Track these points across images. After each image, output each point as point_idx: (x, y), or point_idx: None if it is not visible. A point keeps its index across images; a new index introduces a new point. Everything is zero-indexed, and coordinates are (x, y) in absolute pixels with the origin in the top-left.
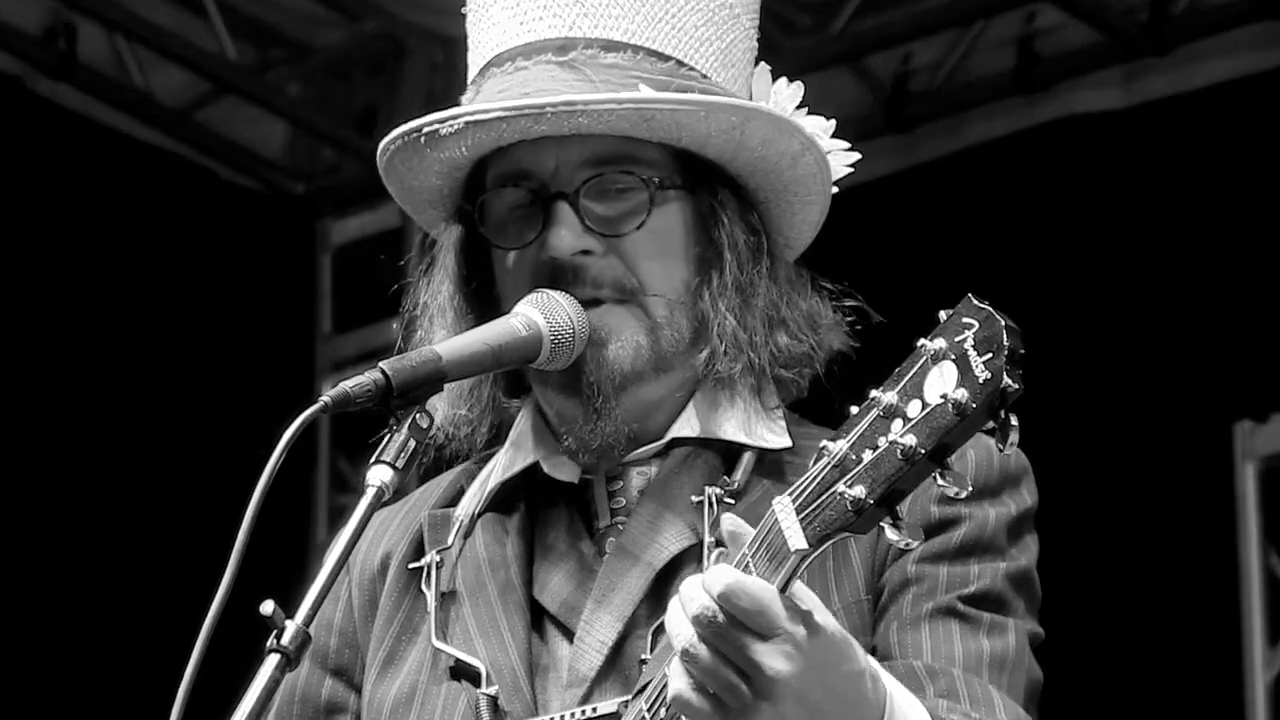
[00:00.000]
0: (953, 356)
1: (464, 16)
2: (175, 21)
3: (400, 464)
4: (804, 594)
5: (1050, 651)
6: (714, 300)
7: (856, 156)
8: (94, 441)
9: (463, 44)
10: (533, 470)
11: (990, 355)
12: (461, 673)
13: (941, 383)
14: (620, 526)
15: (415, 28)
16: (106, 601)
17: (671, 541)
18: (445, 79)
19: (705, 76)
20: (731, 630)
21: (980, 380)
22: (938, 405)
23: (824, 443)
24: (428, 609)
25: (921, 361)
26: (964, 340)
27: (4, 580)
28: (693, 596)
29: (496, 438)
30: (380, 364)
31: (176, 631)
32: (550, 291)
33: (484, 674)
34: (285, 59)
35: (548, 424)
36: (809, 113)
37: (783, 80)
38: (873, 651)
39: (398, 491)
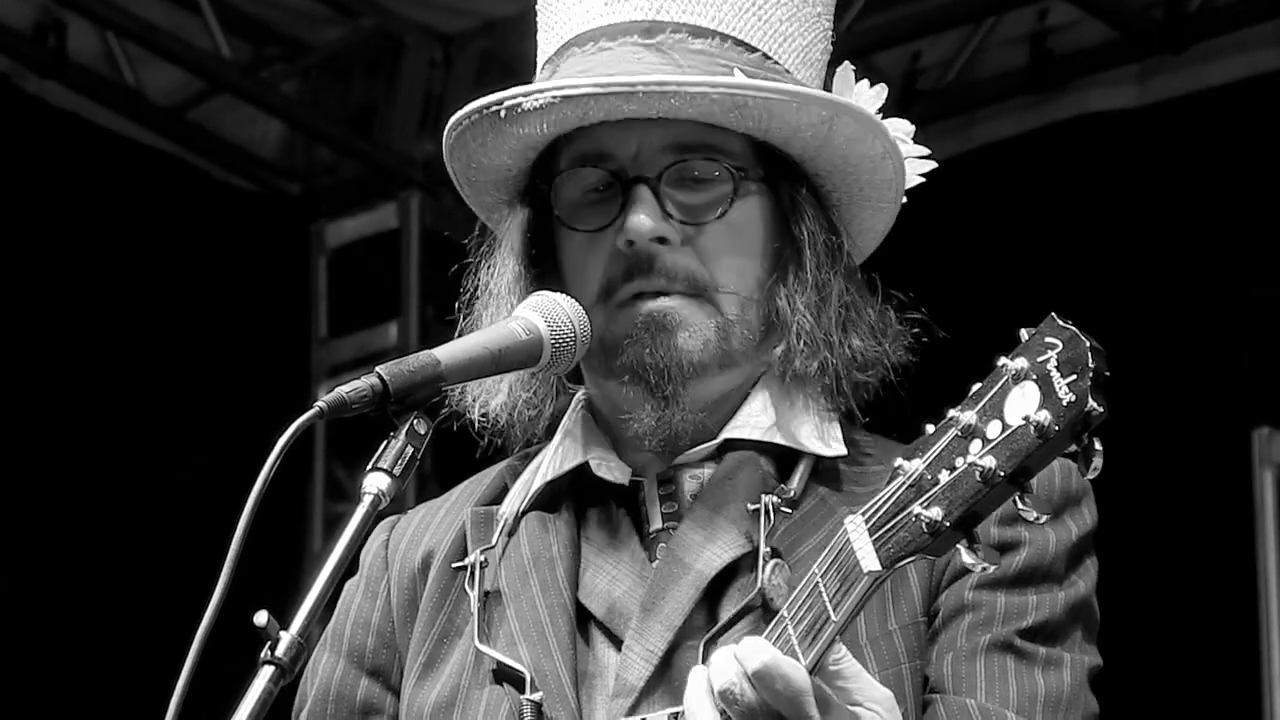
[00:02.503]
0: (1035, 377)
1: (464, 13)
2: (168, 18)
3: (398, 471)
4: (850, 670)
5: None
6: (791, 298)
7: (933, 165)
8: (88, 445)
9: (460, 41)
10: (580, 470)
11: (1075, 377)
12: (504, 676)
13: (1023, 404)
14: (672, 531)
15: (413, 25)
16: (103, 604)
17: (725, 550)
18: (444, 77)
19: (788, 72)
20: (757, 716)
21: (1064, 402)
22: (1019, 427)
23: (899, 461)
24: (471, 610)
25: (1002, 381)
26: (1047, 361)
27: (3, 580)
28: (723, 669)
29: (547, 432)
30: (377, 369)
31: (172, 637)
32: (552, 294)
33: (528, 679)
34: (281, 56)
35: (598, 423)
36: (884, 116)
37: (865, 82)
38: (924, 682)
39: (395, 500)
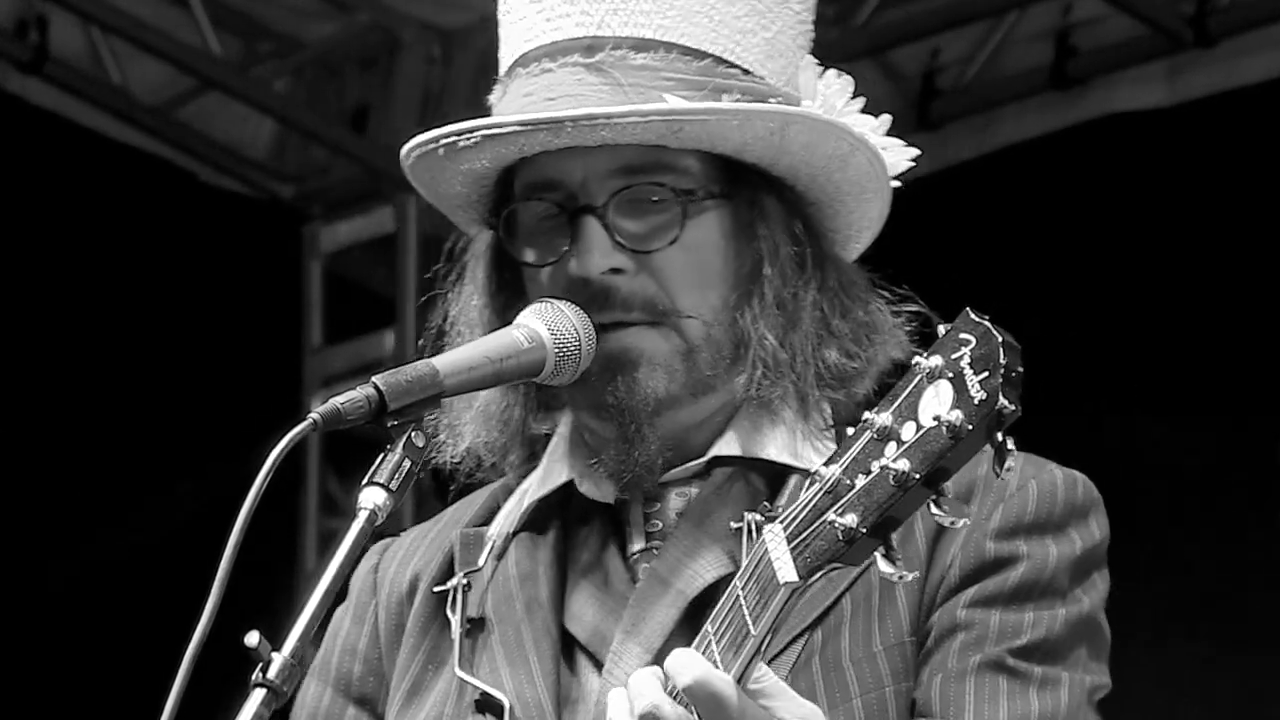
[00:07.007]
0: (949, 375)
1: (464, 8)
2: (155, 13)
3: (394, 485)
4: (772, 688)
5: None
6: (754, 319)
7: (915, 151)
8: (69, 460)
9: (460, 37)
10: (570, 488)
11: (987, 374)
12: (486, 705)
13: (936, 403)
14: (655, 551)
15: (410, 20)
16: (90, 622)
17: (707, 569)
18: (442, 74)
19: (747, 72)
20: None
21: (975, 401)
22: (931, 428)
23: (816, 467)
24: (452, 636)
25: (917, 380)
26: (960, 358)
27: None
28: (640, 692)
29: (535, 454)
30: (373, 379)
31: (161, 657)
32: (555, 301)
33: (508, 708)
34: (272, 53)
35: (585, 440)
36: (862, 109)
37: (831, 73)
38: (913, 706)
39: (392, 515)
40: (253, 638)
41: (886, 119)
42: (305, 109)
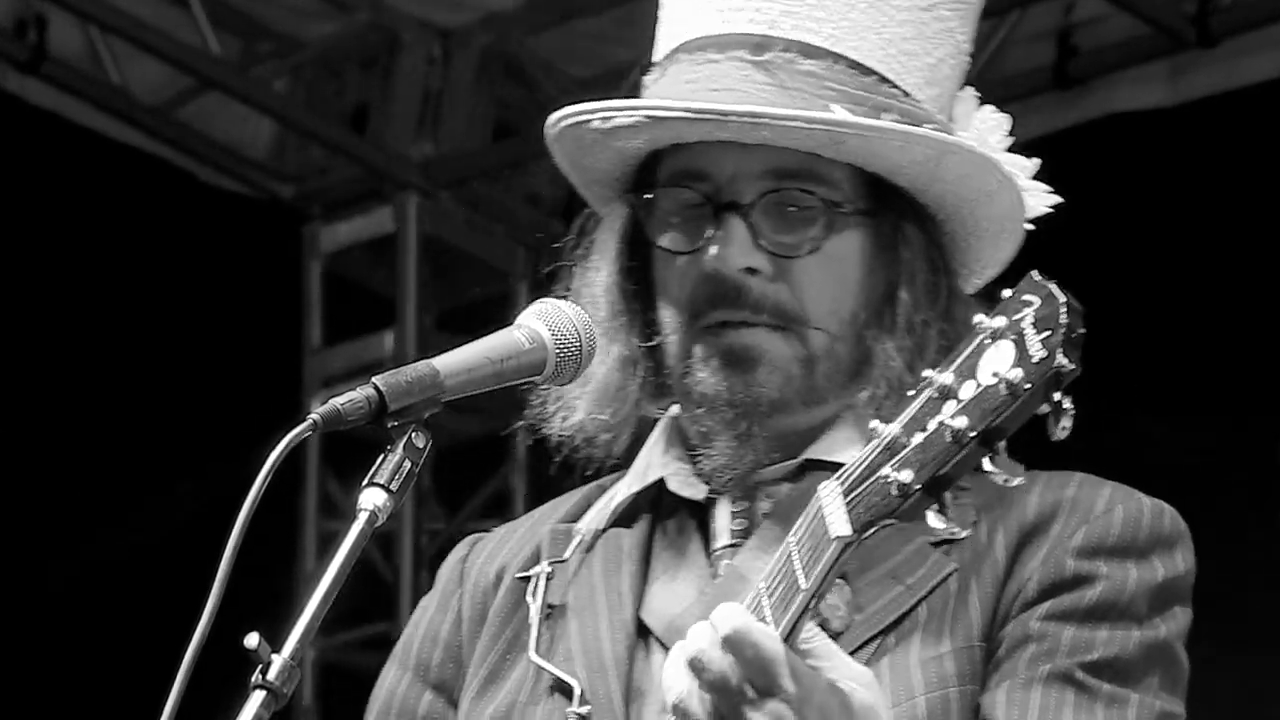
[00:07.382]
0: (1012, 336)
1: (464, 7)
2: (154, 12)
3: (395, 487)
4: (823, 649)
5: None
6: (883, 341)
7: (1056, 199)
8: (66, 462)
9: (460, 37)
10: (661, 485)
11: (1048, 333)
12: (559, 690)
13: (998, 362)
14: (738, 549)
15: (411, 19)
16: (88, 626)
17: None
18: (443, 74)
19: (907, 94)
20: (727, 685)
21: (1035, 360)
22: (990, 385)
23: (874, 424)
24: (529, 621)
25: (979, 340)
26: (1023, 318)
27: None
28: (695, 640)
29: (634, 451)
30: (373, 379)
31: (160, 660)
32: (557, 301)
33: (577, 694)
34: (272, 53)
35: (682, 439)
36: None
37: (988, 108)
38: (977, 711)
39: (392, 516)
40: (252, 639)
41: (1036, 162)
42: (305, 109)
